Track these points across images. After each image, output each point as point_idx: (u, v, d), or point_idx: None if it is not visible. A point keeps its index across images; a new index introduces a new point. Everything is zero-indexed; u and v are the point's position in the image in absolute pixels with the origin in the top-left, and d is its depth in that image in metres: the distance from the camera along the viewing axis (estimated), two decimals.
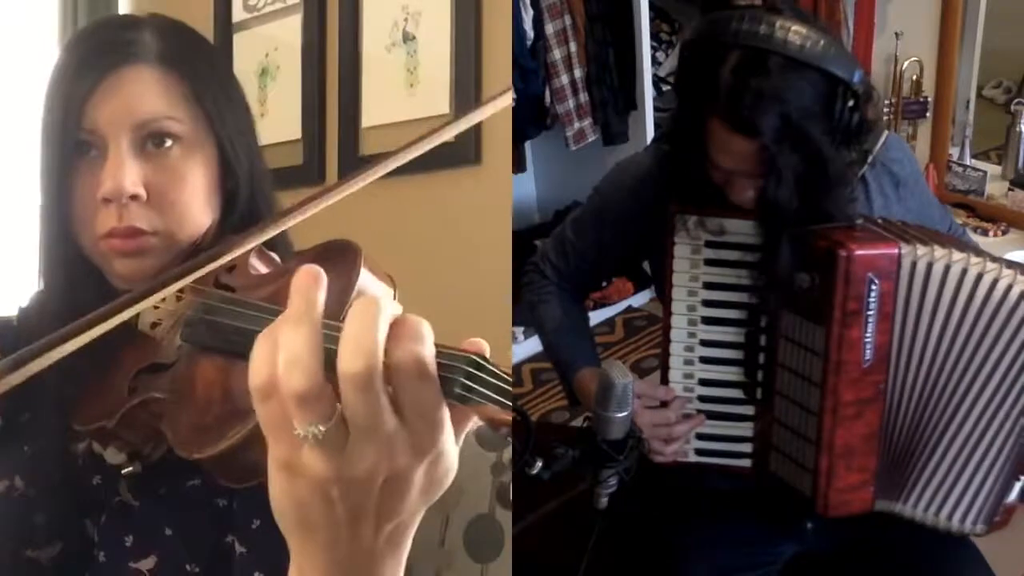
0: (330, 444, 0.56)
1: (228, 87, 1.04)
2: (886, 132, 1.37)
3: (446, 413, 0.58)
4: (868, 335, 1.17)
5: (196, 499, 0.94)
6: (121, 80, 0.95)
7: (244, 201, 1.01)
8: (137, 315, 0.89)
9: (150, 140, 0.95)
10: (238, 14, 2.48)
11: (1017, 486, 1.25)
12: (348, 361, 0.56)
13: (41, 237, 0.98)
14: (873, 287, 1.16)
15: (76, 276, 0.96)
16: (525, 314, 1.50)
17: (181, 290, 0.84)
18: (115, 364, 0.90)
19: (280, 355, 0.57)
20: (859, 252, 1.16)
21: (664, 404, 1.29)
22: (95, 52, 0.96)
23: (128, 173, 0.92)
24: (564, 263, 1.47)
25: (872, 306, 1.17)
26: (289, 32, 2.34)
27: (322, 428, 0.56)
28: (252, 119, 1.06)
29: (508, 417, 0.57)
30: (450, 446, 0.59)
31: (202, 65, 1.01)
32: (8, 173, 2.54)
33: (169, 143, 0.95)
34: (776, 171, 1.12)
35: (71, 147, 0.94)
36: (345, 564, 0.60)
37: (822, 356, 1.19)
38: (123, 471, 0.91)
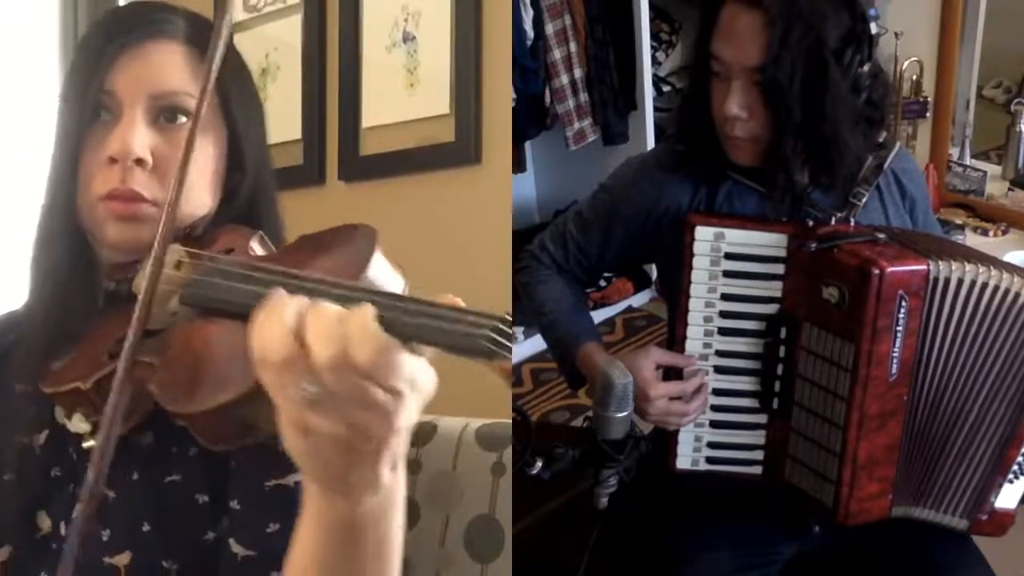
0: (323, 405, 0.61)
1: (245, 80, 1.07)
2: (898, 143, 1.38)
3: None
4: (896, 350, 1.18)
5: (176, 495, 0.94)
6: (148, 51, 0.98)
7: (247, 194, 1.04)
8: (131, 281, 0.91)
9: (164, 114, 0.98)
10: (238, 14, 2.48)
11: (1005, 487, 1.27)
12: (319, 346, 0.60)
13: (45, 208, 0.99)
14: (903, 304, 1.16)
15: (76, 253, 0.97)
16: (521, 296, 1.48)
17: (179, 261, 0.87)
18: (97, 329, 0.91)
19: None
20: (891, 270, 1.16)
21: (679, 374, 1.29)
22: (126, 23, 0.99)
23: (138, 137, 0.95)
24: (563, 257, 1.46)
25: (901, 322, 1.17)
26: (289, 32, 2.34)
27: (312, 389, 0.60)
28: (264, 116, 1.09)
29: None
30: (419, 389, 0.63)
31: (226, 53, 1.03)
32: (7, 172, 2.54)
33: (183, 120, 0.98)
34: (778, 54, 1.15)
35: (89, 108, 0.96)
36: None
37: (849, 370, 1.19)
38: (84, 444, 0.90)
